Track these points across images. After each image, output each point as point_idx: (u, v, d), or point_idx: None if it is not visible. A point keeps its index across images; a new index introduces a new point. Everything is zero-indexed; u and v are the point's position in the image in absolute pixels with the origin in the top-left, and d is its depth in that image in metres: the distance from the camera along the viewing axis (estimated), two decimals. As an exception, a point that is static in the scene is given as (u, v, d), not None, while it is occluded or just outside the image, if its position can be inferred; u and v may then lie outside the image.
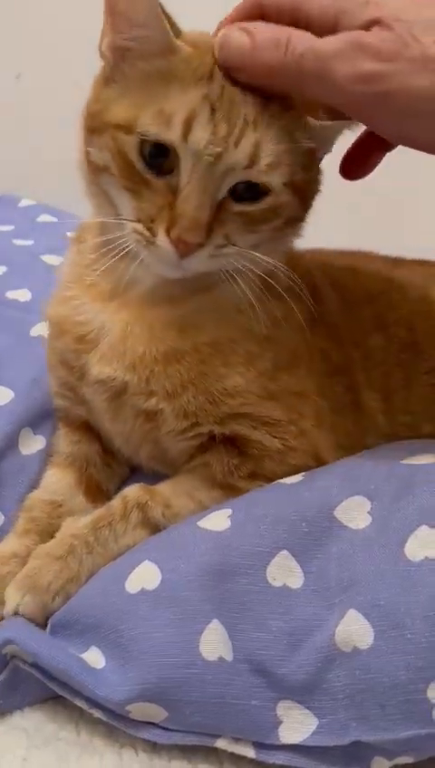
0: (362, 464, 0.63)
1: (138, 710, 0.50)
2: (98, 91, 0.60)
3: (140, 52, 0.57)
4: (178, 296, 0.64)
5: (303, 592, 0.53)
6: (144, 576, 0.55)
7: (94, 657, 0.52)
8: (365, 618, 0.50)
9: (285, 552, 0.55)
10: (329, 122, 0.59)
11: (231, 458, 0.65)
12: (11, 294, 0.98)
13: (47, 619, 0.56)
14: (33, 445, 0.75)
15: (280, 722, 0.50)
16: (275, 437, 0.64)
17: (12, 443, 0.73)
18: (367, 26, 0.52)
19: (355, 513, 0.57)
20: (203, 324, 0.63)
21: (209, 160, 0.54)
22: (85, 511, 0.69)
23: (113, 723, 0.51)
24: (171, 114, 0.54)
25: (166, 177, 0.56)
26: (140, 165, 0.56)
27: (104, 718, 0.52)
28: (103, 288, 0.65)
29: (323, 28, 0.53)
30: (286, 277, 0.61)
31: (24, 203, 1.25)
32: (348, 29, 0.52)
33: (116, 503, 0.63)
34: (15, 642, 0.52)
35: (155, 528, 0.62)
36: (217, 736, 0.51)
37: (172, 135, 0.54)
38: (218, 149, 0.54)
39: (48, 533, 0.65)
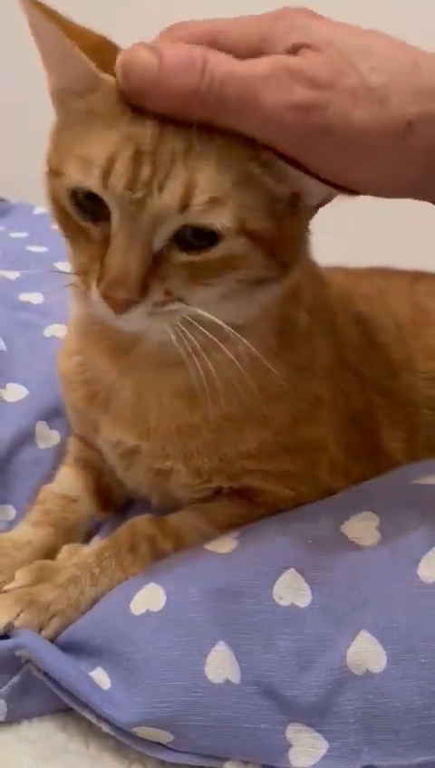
0: (370, 482, 0.62)
1: (144, 732, 0.49)
2: (51, 135, 0.54)
3: (73, 92, 0.50)
4: (187, 354, 0.55)
5: (311, 611, 0.52)
6: (149, 597, 0.53)
7: (101, 678, 0.51)
8: (378, 640, 0.48)
9: (292, 571, 0.53)
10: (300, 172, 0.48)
11: (239, 509, 0.62)
12: (24, 297, 0.99)
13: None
14: (49, 439, 0.74)
15: (290, 745, 0.48)
16: (289, 488, 0.62)
17: (28, 436, 0.73)
18: (294, 50, 0.44)
19: (364, 530, 0.55)
20: (213, 394, 0.56)
21: (131, 209, 0.47)
22: (94, 517, 0.68)
23: (121, 738, 0.50)
24: (91, 158, 0.47)
25: (101, 224, 0.49)
26: (72, 211, 0.50)
27: (112, 733, 0.50)
28: (110, 342, 0.60)
29: (242, 56, 0.45)
30: (306, 320, 0.58)
31: (38, 211, 1.27)
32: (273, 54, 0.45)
33: (123, 533, 0.61)
34: (27, 648, 0.51)
35: (162, 557, 0.60)
36: (226, 759, 0.49)
37: (92, 182, 0.47)
38: (138, 195, 0.46)
39: (62, 527, 0.65)
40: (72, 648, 0.54)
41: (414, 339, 0.72)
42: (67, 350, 0.66)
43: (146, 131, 0.46)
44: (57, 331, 0.88)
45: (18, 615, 0.53)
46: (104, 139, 0.47)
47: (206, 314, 0.50)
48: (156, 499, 0.68)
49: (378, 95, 0.44)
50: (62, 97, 0.51)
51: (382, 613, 0.49)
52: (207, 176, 0.46)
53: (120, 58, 0.45)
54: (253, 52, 0.45)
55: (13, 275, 1.04)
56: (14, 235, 1.19)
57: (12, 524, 0.67)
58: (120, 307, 0.48)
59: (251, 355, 0.54)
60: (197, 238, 0.48)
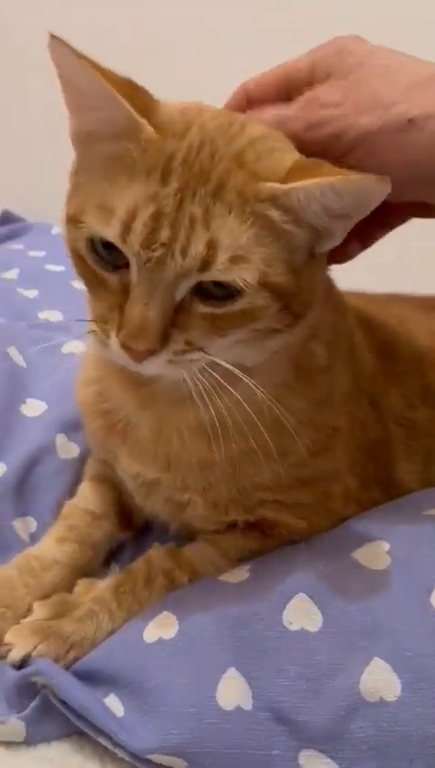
0: (382, 510, 0.61)
1: (159, 759, 0.49)
2: (70, 177, 0.53)
3: (100, 135, 0.49)
4: (204, 391, 0.55)
5: (322, 636, 0.51)
6: (162, 626, 0.53)
7: (114, 705, 0.51)
8: (392, 668, 0.48)
9: (301, 595, 0.53)
10: (299, 183, 0.46)
11: (251, 543, 0.62)
12: (42, 315, 1.00)
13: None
14: (69, 451, 0.75)
15: (303, 771, 0.48)
16: (302, 519, 0.61)
17: (48, 449, 0.73)
18: (326, 79, 0.54)
19: (375, 555, 0.54)
20: (230, 431, 0.55)
21: (149, 266, 0.46)
22: (115, 536, 0.68)
23: (136, 764, 0.50)
24: (112, 210, 0.47)
25: (120, 272, 0.49)
26: (91, 261, 0.50)
27: (127, 758, 0.50)
28: (127, 374, 0.58)
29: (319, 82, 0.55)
30: (325, 355, 0.58)
31: (55, 230, 1.28)
32: (318, 83, 0.54)
33: (139, 566, 0.61)
34: (44, 675, 0.51)
35: (178, 588, 0.60)
36: (241, 784, 0.49)
37: (111, 233, 0.47)
38: (157, 254, 0.46)
39: (86, 544, 0.65)
40: (86, 675, 0.54)
41: (433, 369, 0.71)
42: (85, 380, 0.66)
43: (169, 191, 0.46)
44: (75, 347, 0.89)
45: (36, 647, 0.54)
46: (128, 192, 0.46)
47: (224, 363, 0.50)
48: (174, 526, 0.68)
49: (383, 102, 0.52)
50: (84, 140, 0.51)
51: (396, 640, 0.49)
52: (228, 234, 0.46)
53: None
54: (323, 76, 0.55)
55: (32, 294, 1.06)
56: (32, 253, 1.20)
57: (33, 536, 0.68)
58: (140, 356, 0.48)
59: (269, 391, 0.53)
60: (218, 288, 0.47)
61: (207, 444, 0.57)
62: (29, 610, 0.58)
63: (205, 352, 0.49)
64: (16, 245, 1.26)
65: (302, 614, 0.52)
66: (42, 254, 1.19)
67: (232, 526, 0.63)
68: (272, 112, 0.55)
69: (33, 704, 0.52)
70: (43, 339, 0.91)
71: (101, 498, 0.69)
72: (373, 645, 0.49)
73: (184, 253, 0.46)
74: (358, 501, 0.64)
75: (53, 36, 0.46)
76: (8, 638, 0.55)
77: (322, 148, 0.52)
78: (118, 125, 0.48)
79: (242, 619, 0.52)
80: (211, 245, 0.46)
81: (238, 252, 0.46)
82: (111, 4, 1.36)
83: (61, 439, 0.75)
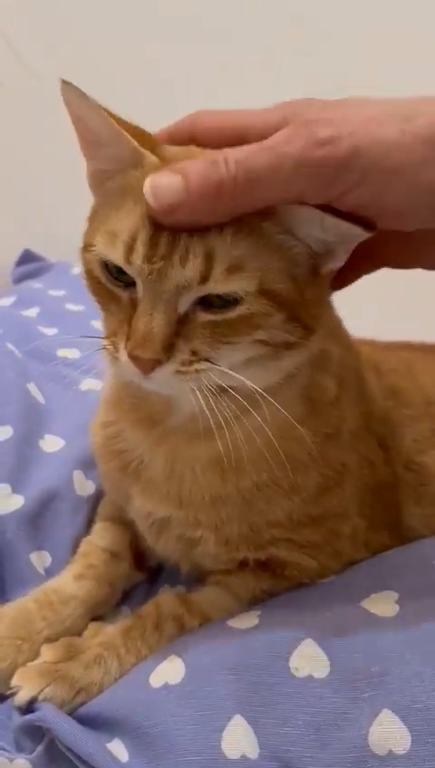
0: (390, 560, 0.60)
1: (163, 805, 0.48)
2: (88, 219, 0.56)
3: (110, 172, 0.52)
4: (217, 424, 0.55)
5: (329, 683, 0.50)
6: (169, 670, 0.53)
7: (118, 750, 0.50)
8: (402, 721, 0.46)
9: (308, 641, 0.52)
10: (290, 206, 0.47)
11: (262, 584, 0.62)
12: (61, 352, 1.00)
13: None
14: (85, 488, 0.75)
15: None
16: (312, 558, 0.61)
17: (66, 485, 0.73)
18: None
19: (383, 603, 0.53)
20: (243, 464, 0.56)
21: (151, 279, 0.48)
22: (132, 577, 0.68)
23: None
24: (116, 234, 0.49)
25: (130, 289, 0.51)
26: (104, 279, 0.52)
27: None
28: (141, 414, 0.60)
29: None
30: (334, 388, 0.58)
31: (76, 270, 1.29)
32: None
33: (148, 610, 0.60)
34: (47, 722, 0.50)
35: (188, 632, 0.59)
36: None
37: (116, 255, 0.49)
38: (157, 266, 0.47)
39: (104, 582, 0.64)
40: (90, 718, 0.53)
41: None
42: (100, 423, 0.66)
43: None
44: (93, 385, 0.90)
45: (42, 690, 0.53)
46: (131, 216, 0.49)
47: (233, 373, 0.50)
48: (185, 567, 0.67)
49: (403, 114, 0.44)
50: (99, 179, 0.54)
51: (406, 692, 0.47)
52: (224, 246, 0.47)
53: (147, 182, 0.46)
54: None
55: (51, 332, 1.06)
56: (52, 292, 1.21)
57: (49, 570, 0.67)
58: (147, 366, 0.49)
59: (278, 423, 0.54)
60: (219, 298, 0.48)
61: (220, 478, 0.57)
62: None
63: (213, 363, 0.49)
64: (37, 284, 1.27)
65: (309, 660, 0.51)
66: (62, 293, 1.20)
67: (243, 566, 0.62)
68: (261, 143, 0.45)
69: (41, 747, 0.51)
70: (62, 376, 0.93)
71: (118, 538, 0.69)
72: (382, 695, 0.48)
73: (183, 263, 0.47)
74: (366, 543, 0.63)
75: (64, 82, 0.49)
76: (15, 680, 0.54)
77: (331, 171, 0.44)
78: (124, 159, 0.51)
79: (248, 665, 0.51)
80: (208, 256, 0.47)
81: (234, 261, 0.47)
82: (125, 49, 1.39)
83: (78, 476, 0.75)
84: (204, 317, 0.49)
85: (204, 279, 0.47)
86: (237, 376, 0.50)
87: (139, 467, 0.61)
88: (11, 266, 1.42)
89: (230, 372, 0.50)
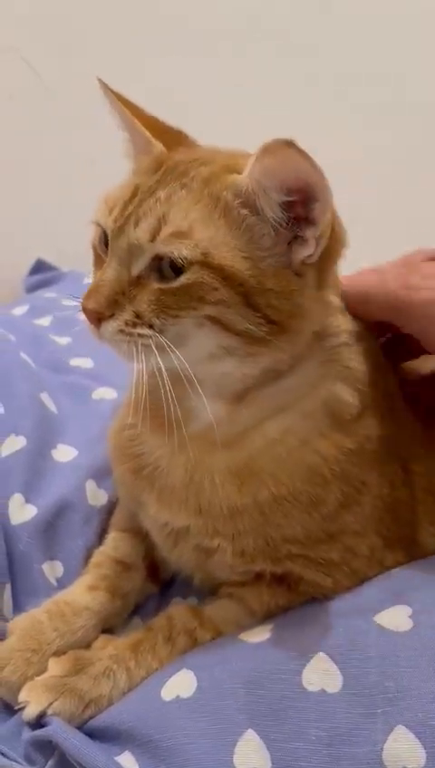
0: (403, 574, 0.59)
1: None
2: None
3: (131, 155, 0.58)
4: (235, 437, 0.56)
5: (341, 697, 0.48)
6: (180, 683, 0.51)
7: (129, 763, 0.49)
8: (417, 737, 0.45)
9: (321, 655, 0.50)
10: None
11: (276, 598, 0.60)
12: (74, 362, 1.00)
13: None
14: (98, 498, 0.74)
15: None
16: (327, 576, 0.59)
17: (78, 495, 0.72)
18: None
19: (397, 618, 0.52)
20: (263, 475, 0.56)
21: (113, 237, 0.50)
22: (145, 588, 0.67)
23: None
24: (107, 201, 0.52)
25: None
26: (99, 248, 0.54)
27: None
28: (161, 419, 0.58)
29: None
30: (357, 405, 0.56)
31: (88, 280, 1.27)
32: None
33: (160, 623, 0.59)
34: (56, 738, 0.49)
35: (200, 645, 0.58)
36: None
37: (99, 217, 0.52)
38: (118, 224, 0.50)
39: (117, 594, 0.63)
40: (101, 730, 0.52)
41: None
42: (119, 426, 0.65)
43: (150, 182, 0.51)
44: (105, 393, 0.89)
45: (51, 704, 0.52)
46: (124, 188, 0.52)
47: (175, 350, 0.49)
48: (198, 578, 0.65)
49: None
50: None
51: (421, 708, 0.46)
52: (177, 212, 0.48)
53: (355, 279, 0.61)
54: None
55: (64, 341, 1.05)
56: (65, 302, 1.20)
57: (60, 581, 0.66)
58: (93, 318, 0.49)
59: (300, 435, 0.54)
60: (172, 270, 0.49)
61: (238, 489, 0.56)
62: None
63: (158, 334, 0.49)
64: (49, 293, 1.27)
65: (321, 674, 0.49)
66: (74, 302, 1.19)
67: (258, 578, 0.61)
68: (371, 271, 0.61)
69: (51, 761, 0.50)
70: (75, 385, 0.92)
71: (132, 549, 0.68)
72: (396, 711, 0.46)
73: (138, 223, 0.49)
74: (381, 561, 0.61)
75: (99, 80, 0.56)
76: (23, 695, 0.53)
77: (413, 311, 0.58)
78: (140, 145, 0.56)
79: (260, 679, 0.50)
80: (160, 219, 0.48)
81: (183, 227, 0.48)
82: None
83: (90, 485, 0.74)
84: (155, 285, 0.49)
85: (152, 239, 0.48)
86: (178, 354, 0.49)
87: (154, 473, 0.60)
88: (24, 276, 1.42)
89: (172, 348, 0.49)
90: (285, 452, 0.54)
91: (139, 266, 0.49)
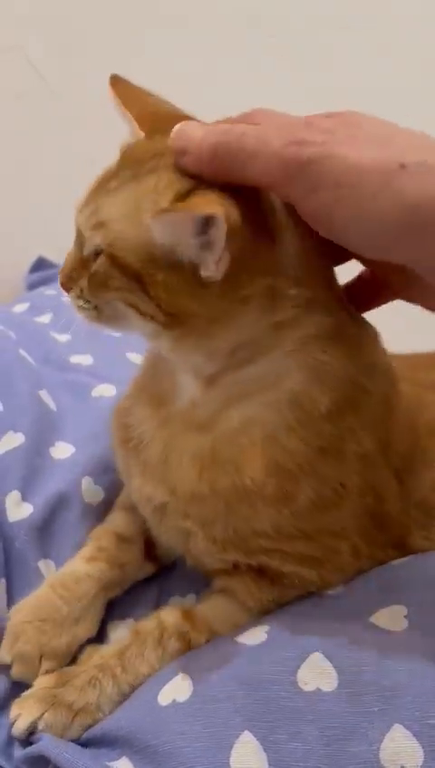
0: (398, 574, 0.57)
1: None
2: None
3: None
4: (206, 420, 0.56)
5: (338, 696, 0.47)
6: (177, 688, 0.50)
7: (127, 769, 0.49)
8: (414, 736, 0.44)
9: (317, 654, 0.49)
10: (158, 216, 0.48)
11: (267, 594, 0.59)
12: (75, 359, 0.99)
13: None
14: (93, 495, 0.73)
15: None
16: (312, 569, 0.57)
17: (74, 492, 0.71)
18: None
19: (392, 618, 0.51)
20: (225, 464, 0.54)
21: (75, 218, 0.54)
22: (142, 565, 0.66)
23: None
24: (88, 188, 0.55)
25: None
26: None
27: None
28: (153, 392, 0.61)
29: None
30: (326, 402, 0.54)
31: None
32: None
33: (149, 626, 0.58)
34: (48, 753, 0.49)
35: (195, 648, 0.57)
36: None
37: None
38: (79, 209, 0.54)
39: (115, 565, 0.63)
40: (98, 737, 0.51)
41: None
42: (125, 395, 0.66)
43: (113, 170, 0.53)
44: (105, 390, 0.88)
45: (42, 715, 0.52)
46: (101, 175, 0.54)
47: (100, 323, 0.54)
48: (189, 561, 0.64)
49: (379, 141, 0.44)
50: None
51: (418, 707, 0.45)
52: (106, 205, 0.51)
53: (177, 126, 0.50)
54: None
55: (64, 338, 1.05)
56: (65, 299, 1.18)
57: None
58: (65, 288, 0.55)
59: (263, 426, 0.53)
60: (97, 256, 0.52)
61: (198, 474, 0.55)
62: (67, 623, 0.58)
63: (97, 310, 0.54)
64: (50, 291, 1.25)
65: (316, 673, 0.48)
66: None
67: (237, 568, 0.59)
68: (253, 130, 0.47)
69: None
70: (74, 383, 0.91)
71: (129, 524, 0.68)
72: (393, 709, 0.45)
73: (82, 210, 0.53)
74: (371, 557, 0.60)
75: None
76: (14, 710, 0.53)
77: (292, 171, 0.45)
78: (131, 130, 0.56)
79: (256, 681, 0.49)
80: (94, 210, 0.51)
81: (102, 218, 0.51)
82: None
83: (86, 482, 0.73)
84: (92, 266, 0.52)
85: (88, 227, 0.52)
86: (123, 326, 0.54)
87: (139, 446, 0.60)
88: (25, 273, 1.41)
89: (112, 322, 0.54)
90: (248, 442, 0.53)
91: (87, 248, 0.53)
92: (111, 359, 0.98)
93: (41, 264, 1.42)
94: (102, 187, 0.52)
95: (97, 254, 0.51)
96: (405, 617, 0.51)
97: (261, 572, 0.59)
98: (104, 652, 0.57)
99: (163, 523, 0.61)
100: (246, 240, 0.48)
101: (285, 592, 0.59)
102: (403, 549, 0.61)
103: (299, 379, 0.54)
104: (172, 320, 0.51)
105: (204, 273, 0.48)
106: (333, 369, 0.54)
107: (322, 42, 1.30)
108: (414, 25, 1.28)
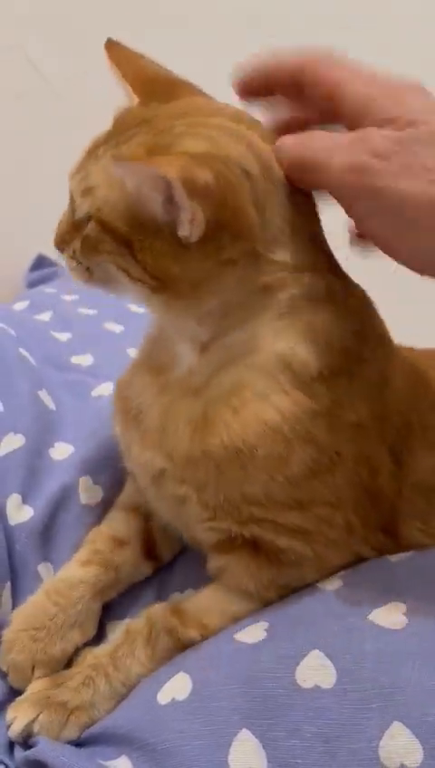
0: (396, 571, 0.57)
1: None
2: None
3: None
4: (200, 385, 0.56)
5: (336, 693, 0.47)
6: (176, 686, 0.50)
7: (125, 767, 0.48)
8: (413, 734, 0.44)
9: (315, 652, 0.49)
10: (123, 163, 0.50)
11: (264, 572, 0.58)
12: (75, 359, 0.99)
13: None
14: (92, 494, 0.72)
15: None
16: (307, 545, 0.57)
17: (72, 492, 0.71)
18: (384, 123, 0.48)
19: (391, 615, 0.51)
20: (217, 425, 0.54)
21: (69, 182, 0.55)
22: (139, 566, 0.66)
23: None
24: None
25: None
26: None
27: None
28: (150, 364, 0.62)
29: (354, 115, 0.50)
30: (316, 366, 0.53)
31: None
32: (372, 121, 0.48)
33: (139, 626, 0.58)
34: (44, 758, 0.48)
35: (190, 646, 0.57)
36: None
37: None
38: (71, 174, 0.55)
39: (110, 568, 0.63)
40: (97, 735, 0.51)
41: None
42: (127, 369, 0.67)
43: (104, 136, 0.54)
44: (104, 390, 0.88)
45: (37, 717, 0.52)
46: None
47: (90, 284, 0.56)
48: (186, 536, 0.65)
49: (432, 176, 0.46)
50: None
51: (417, 704, 0.45)
52: (94, 171, 0.53)
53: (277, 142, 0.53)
54: (360, 111, 0.50)
55: (64, 337, 1.04)
56: (65, 297, 1.19)
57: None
58: (60, 250, 0.57)
59: (255, 389, 0.53)
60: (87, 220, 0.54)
61: (190, 436, 0.55)
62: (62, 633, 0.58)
63: (89, 273, 0.56)
64: (50, 289, 1.25)
65: (314, 670, 0.48)
66: (75, 297, 1.18)
67: (233, 542, 0.58)
68: (325, 140, 0.50)
69: None
70: (75, 383, 0.91)
71: (126, 525, 0.68)
72: (392, 706, 0.45)
73: (73, 176, 0.54)
74: (365, 539, 0.59)
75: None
76: (9, 713, 0.53)
77: (353, 195, 0.49)
78: (130, 100, 0.57)
79: (254, 679, 0.49)
80: (84, 176, 0.53)
81: (90, 184, 0.52)
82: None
83: (84, 482, 0.73)
84: (84, 230, 0.54)
85: (77, 193, 0.54)
86: (117, 289, 0.56)
87: (138, 416, 0.60)
88: (25, 271, 1.41)
89: (104, 284, 0.56)
90: (239, 403, 0.53)
91: (79, 212, 0.54)
92: (112, 358, 0.98)
93: (41, 262, 1.41)
94: (93, 152, 0.54)
95: (89, 218, 0.52)
96: (404, 614, 0.51)
97: (257, 548, 0.58)
98: (98, 652, 0.58)
99: (160, 492, 0.61)
100: (224, 205, 0.49)
101: (283, 572, 0.58)
102: (396, 537, 0.60)
103: (290, 342, 0.53)
104: (159, 284, 0.52)
105: (180, 232, 0.49)
106: (325, 333, 0.54)
107: (322, 42, 1.30)
108: (414, 25, 1.28)
